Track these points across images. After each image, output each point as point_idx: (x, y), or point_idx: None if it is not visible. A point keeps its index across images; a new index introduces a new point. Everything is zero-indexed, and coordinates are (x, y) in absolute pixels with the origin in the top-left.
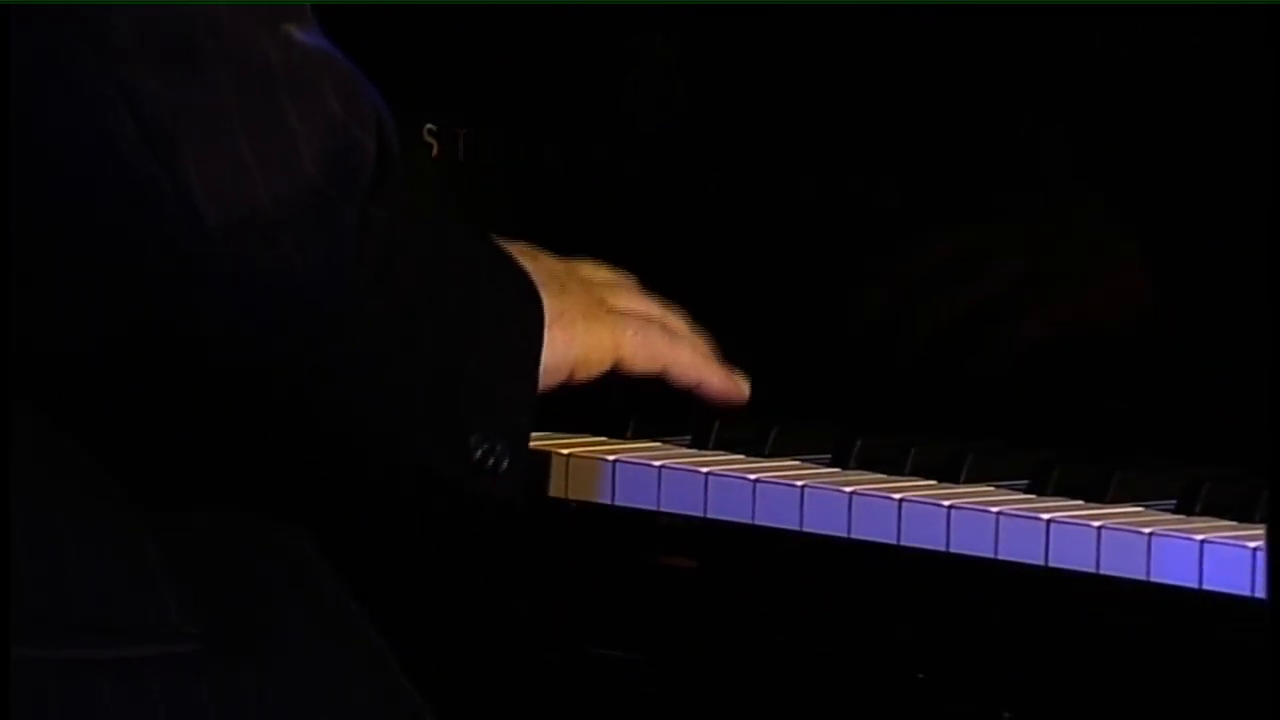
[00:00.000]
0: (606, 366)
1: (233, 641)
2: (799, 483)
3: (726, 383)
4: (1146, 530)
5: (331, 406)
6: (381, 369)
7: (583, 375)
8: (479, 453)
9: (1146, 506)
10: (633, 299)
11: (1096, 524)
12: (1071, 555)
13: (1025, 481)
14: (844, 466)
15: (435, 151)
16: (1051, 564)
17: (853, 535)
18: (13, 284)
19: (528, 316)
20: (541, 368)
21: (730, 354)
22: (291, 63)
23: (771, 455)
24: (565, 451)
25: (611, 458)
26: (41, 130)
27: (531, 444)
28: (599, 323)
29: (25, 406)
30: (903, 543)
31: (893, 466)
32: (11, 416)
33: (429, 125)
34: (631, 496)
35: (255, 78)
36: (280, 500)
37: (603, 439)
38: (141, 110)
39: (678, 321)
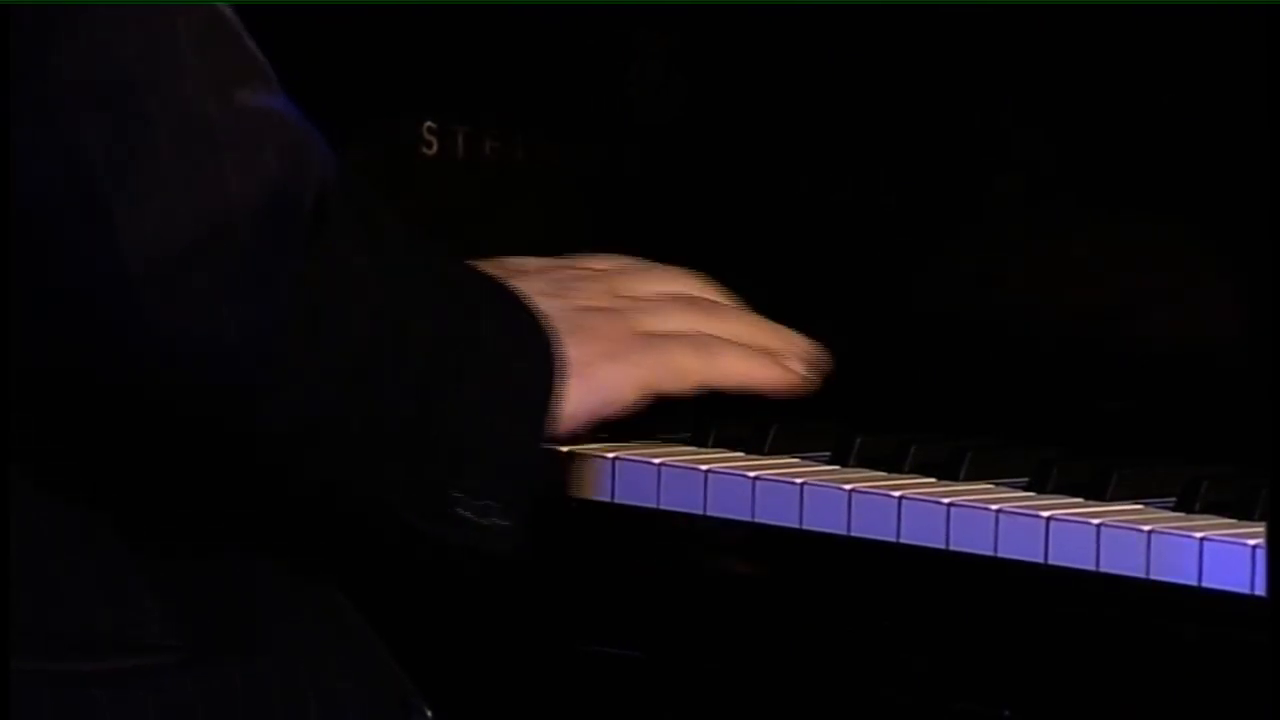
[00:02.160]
0: (634, 403)
1: (217, 646)
2: (798, 480)
3: (776, 373)
4: (1146, 528)
5: (284, 464)
6: (333, 427)
7: (611, 414)
8: (466, 511)
9: (1146, 504)
10: (679, 320)
11: (1096, 522)
12: (1071, 553)
13: (1025, 479)
14: (844, 464)
15: (434, 150)
16: (1051, 562)
17: (852, 533)
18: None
19: (533, 371)
20: (557, 418)
21: None
22: (234, 124)
23: (771, 453)
24: (565, 449)
25: (611, 455)
26: None
27: None
28: (622, 361)
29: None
30: (902, 540)
31: (892, 464)
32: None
33: (428, 123)
34: (631, 494)
35: (193, 137)
36: (263, 540)
37: (603, 437)
38: (72, 160)
39: (735, 326)
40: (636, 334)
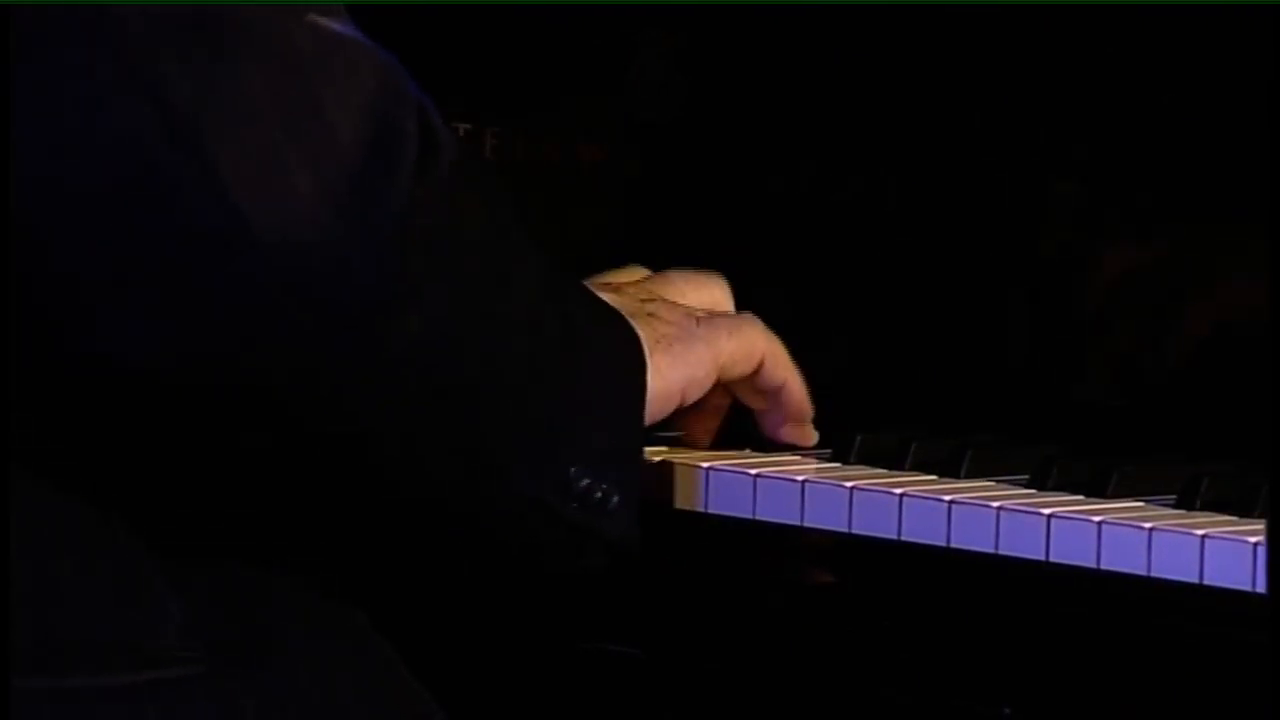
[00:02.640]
0: (714, 378)
1: (236, 658)
2: (800, 478)
3: (804, 391)
4: (1147, 525)
5: (400, 407)
6: (453, 364)
7: (694, 394)
8: (583, 483)
9: (1147, 502)
10: (722, 299)
11: (1097, 519)
12: (1072, 551)
13: (1026, 477)
14: (844, 461)
15: None
16: (1052, 559)
17: (853, 530)
18: (13, 283)
19: (624, 351)
20: (650, 397)
21: None
22: (323, 48)
23: (772, 450)
24: None
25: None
26: (54, 128)
27: None
28: (694, 339)
29: (21, 426)
30: (903, 538)
31: (893, 462)
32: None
33: None
34: None
35: (285, 63)
36: (351, 542)
37: None
38: (163, 100)
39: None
40: (695, 316)
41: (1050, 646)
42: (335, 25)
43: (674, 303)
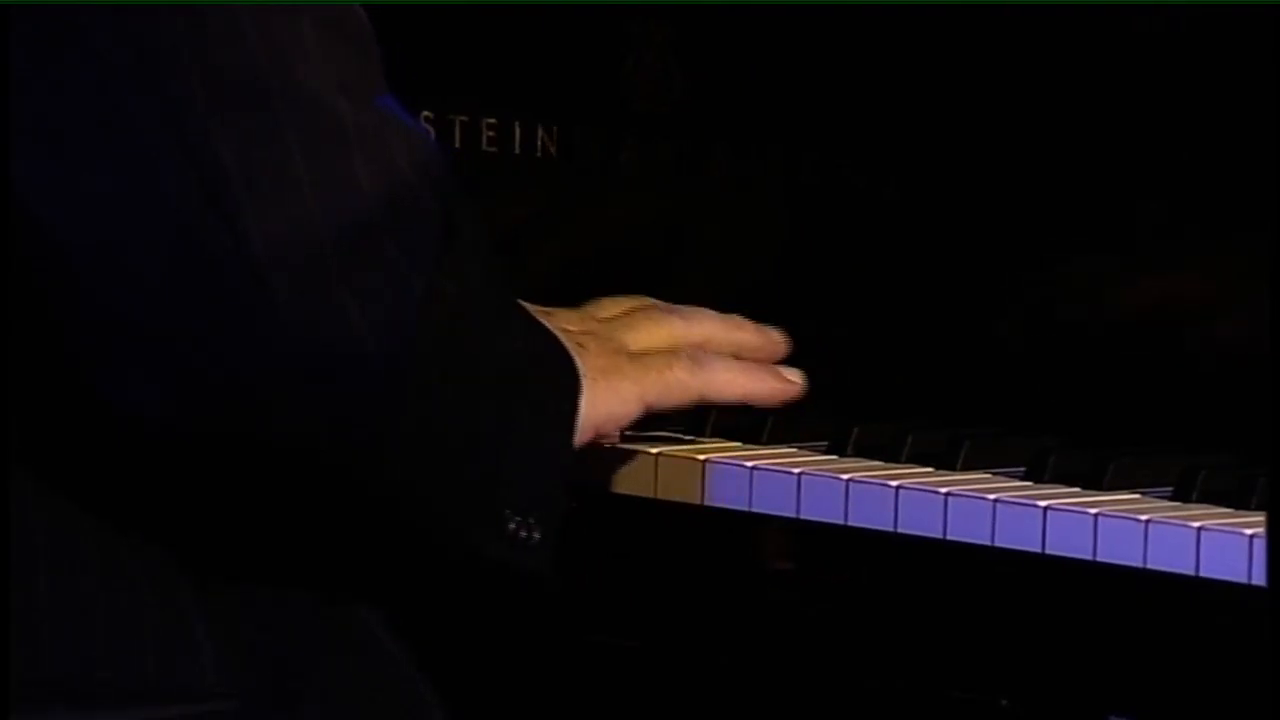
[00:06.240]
0: (634, 417)
1: (271, 698)
2: (795, 470)
3: (773, 385)
4: (1143, 517)
5: (382, 473)
6: (436, 439)
7: (610, 429)
8: (512, 525)
9: (1143, 494)
10: (655, 331)
11: (1093, 511)
12: (1068, 542)
13: (1022, 469)
14: (841, 454)
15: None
16: (1048, 551)
17: (849, 522)
18: (13, 283)
19: (565, 382)
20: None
21: None
22: (363, 123)
23: (768, 443)
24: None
25: (607, 444)
26: (90, 184)
27: None
28: (618, 376)
29: (57, 458)
30: (899, 530)
31: (890, 454)
32: (40, 469)
33: (425, 113)
34: (629, 486)
35: (326, 135)
36: (318, 564)
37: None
38: (206, 164)
39: (708, 327)
40: (628, 353)
41: (1047, 638)
42: (381, 101)
43: (609, 337)
